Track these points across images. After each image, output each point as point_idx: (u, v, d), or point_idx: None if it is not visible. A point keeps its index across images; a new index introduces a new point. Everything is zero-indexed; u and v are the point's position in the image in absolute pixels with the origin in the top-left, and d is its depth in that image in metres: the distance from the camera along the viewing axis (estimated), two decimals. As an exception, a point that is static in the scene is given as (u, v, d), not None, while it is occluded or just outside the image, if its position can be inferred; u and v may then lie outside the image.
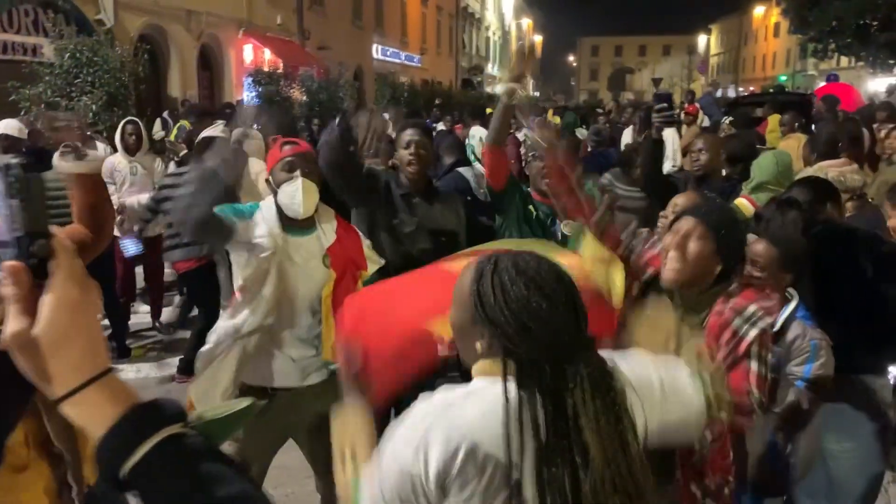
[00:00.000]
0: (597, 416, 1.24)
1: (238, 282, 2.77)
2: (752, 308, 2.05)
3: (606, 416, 1.25)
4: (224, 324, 2.79)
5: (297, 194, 2.68)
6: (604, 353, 1.38)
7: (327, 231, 2.83)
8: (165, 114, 12.16)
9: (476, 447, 1.25)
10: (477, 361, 1.36)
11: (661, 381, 1.46)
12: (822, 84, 18.97)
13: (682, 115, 11.72)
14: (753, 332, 2.02)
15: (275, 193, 2.77)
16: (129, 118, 6.25)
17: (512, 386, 1.27)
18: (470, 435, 1.25)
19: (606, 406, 1.26)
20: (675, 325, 1.89)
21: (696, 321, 2.11)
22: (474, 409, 1.29)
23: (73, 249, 0.75)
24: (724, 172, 4.86)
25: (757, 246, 2.52)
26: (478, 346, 1.34)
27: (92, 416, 0.76)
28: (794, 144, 6.48)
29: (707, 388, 1.54)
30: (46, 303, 0.73)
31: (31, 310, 0.73)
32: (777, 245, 2.51)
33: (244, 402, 0.99)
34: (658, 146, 4.49)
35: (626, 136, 9.74)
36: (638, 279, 2.35)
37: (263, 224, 2.74)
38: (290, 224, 2.75)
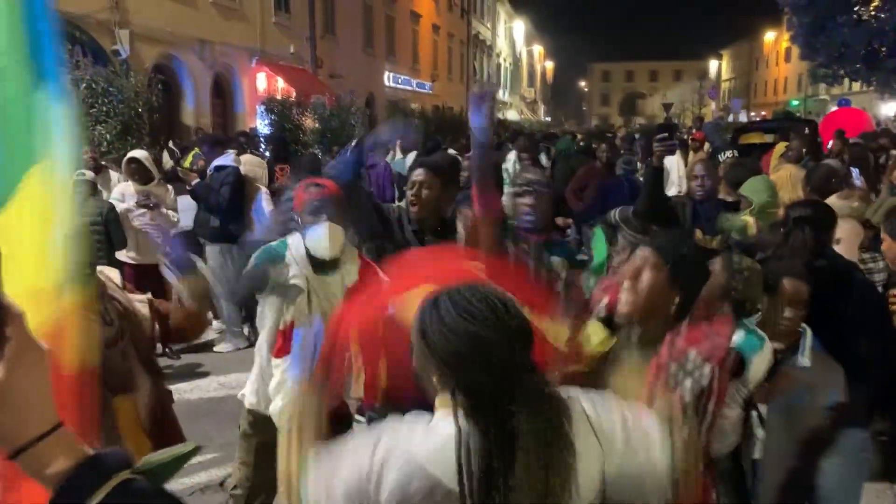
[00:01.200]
0: (529, 436, 1.28)
1: (283, 322, 2.89)
2: (691, 355, 1.91)
3: (540, 437, 1.29)
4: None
5: (324, 238, 2.83)
6: (567, 389, 1.41)
7: (351, 272, 2.96)
8: (171, 143, 12.35)
9: (432, 481, 1.29)
10: (436, 396, 1.41)
11: (627, 428, 1.45)
12: (834, 108, 19.02)
13: (690, 141, 11.79)
14: (687, 384, 1.88)
15: (302, 234, 2.91)
16: (130, 156, 6.36)
17: (461, 418, 1.31)
18: (427, 467, 1.30)
19: (542, 427, 1.29)
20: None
21: (653, 356, 1.98)
22: (431, 442, 1.33)
23: (23, 315, 0.81)
24: (720, 196, 4.94)
25: (792, 286, 2.54)
26: (434, 380, 1.39)
27: (45, 470, 0.81)
28: (784, 175, 6.53)
29: (675, 453, 1.50)
30: (1, 366, 0.79)
31: None
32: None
33: (189, 447, 1.04)
34: (659, 174, 4.53)
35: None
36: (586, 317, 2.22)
37: (295, 265, 2.89)
38: (318, 264, 2.89)
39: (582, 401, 1.43)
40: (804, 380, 2.48)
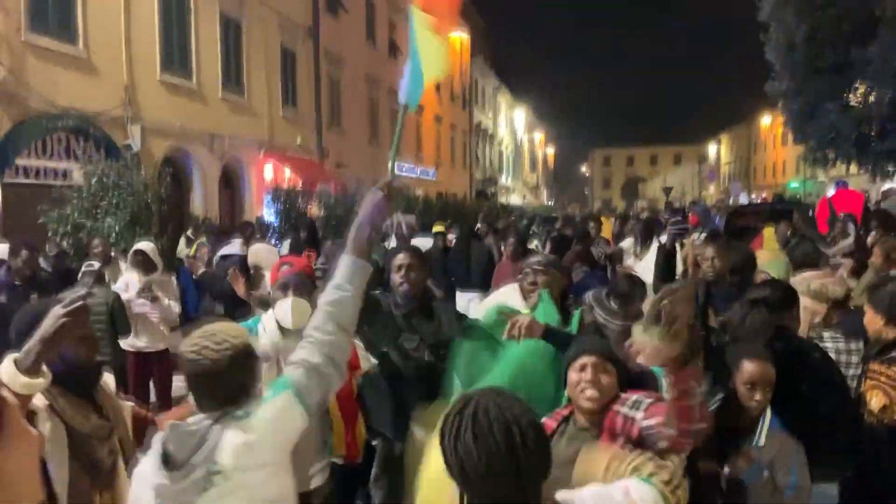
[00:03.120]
0: None
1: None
2: (634, 396, 2.31)
3: None
4: None
5: (288, 311, 3.15)
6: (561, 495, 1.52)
7: None
8: (189, 231, 12.65)
9: None
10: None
11: (621, 492, 1.60)
12: (832, 191, 19.40)
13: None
14: (639, 415, 2.23)
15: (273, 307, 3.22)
16: (136, 248, 6.59)
17: None
18: None
19: None
20: (610, 455, 1.92)
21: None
22: None
23: (15, 405, 0.95)
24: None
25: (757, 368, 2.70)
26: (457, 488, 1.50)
27: None
28: (768, 255, 6.71)
29: (659, 486, 1.65)
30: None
31: None
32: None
33: None
34: (671, 257, 4.62)
35: (626, 245, 9.99)
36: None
37: (265, 335, 3.18)
38: (288, 331, 3.18)
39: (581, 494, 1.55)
40: (761, 458, 2.57)
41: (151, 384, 6.65)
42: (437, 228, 10.80)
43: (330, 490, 3.30)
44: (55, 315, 1.85)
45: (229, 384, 1.98)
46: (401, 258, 3.62)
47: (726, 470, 2.63)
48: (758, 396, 2.64)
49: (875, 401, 2.99)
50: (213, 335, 2.02)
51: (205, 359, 1.96)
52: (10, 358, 1.76)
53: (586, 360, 2.44)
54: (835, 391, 2.93)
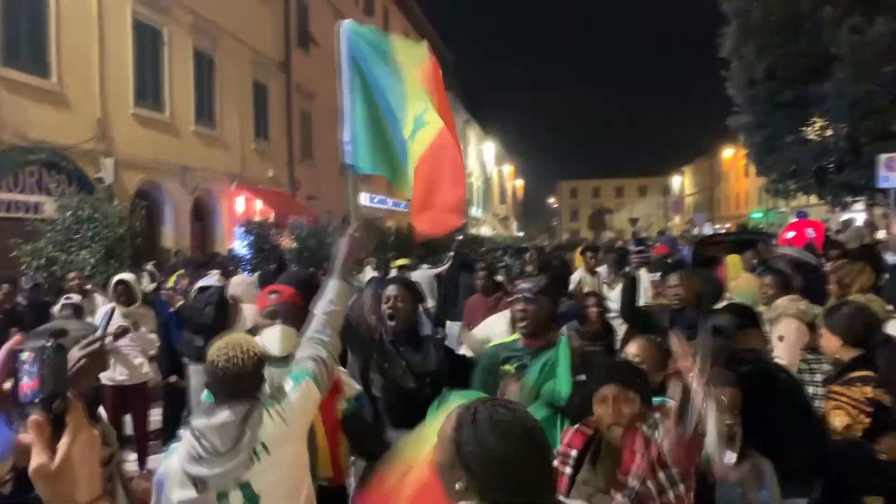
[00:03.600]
0: None
1: None
2: (655, 415, 2.42)
3: None
4: None
5: (276, 339, 3.24)
6: None
7: None
8: (151, 265, 12.55)
9: None
10: (458, 501, 1.51)
11: None
12: (794, 219, 20.03)
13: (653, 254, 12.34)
14: (657, 434, 2.37)
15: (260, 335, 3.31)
16: (118, 278, 6.61)
17: None
18: None
19: None
20: None
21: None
22: None
23: (80, 406, 1.07)
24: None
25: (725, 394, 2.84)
26: (457, 486, 1.49)
27: None
28: (742, 284, 6.96)
29: None
30: (61, 445, 1.03)
31: (50, 449, 1.03)
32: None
33: None
34: (634, 283, 5.11)
35: (602, 273, 10.21)
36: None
37: None
38: (272, 359, 3.18)
39: None
40: (734, 478, 2.73)
41: (128, 418, 6.63)
42: (400, 263, 10.37)
43: None
44: (73, 358, 1.95)
45: (253, 382, 2.49)
46: (391, 289, 3.75)
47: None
48: (729, 420, 2.79)
49: (838, 420, 3.17)
50: (239, 344, 2.49)
51: (236, 363, 2.43)
52: None
53: (607, 392, 2.45)
54: (801, 411, 3.10)
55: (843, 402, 3.18)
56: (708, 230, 37.22)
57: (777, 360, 4.66)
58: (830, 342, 3.45)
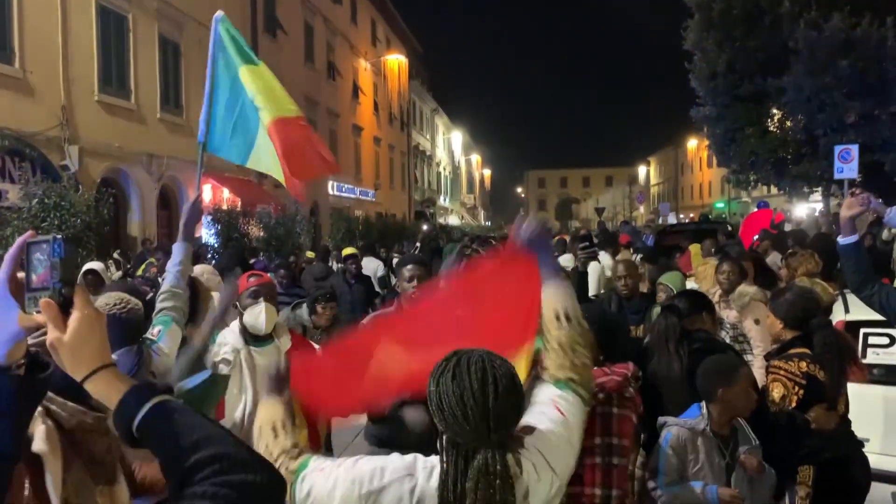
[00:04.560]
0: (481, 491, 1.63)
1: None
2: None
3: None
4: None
5: (261, 316, 3.43)
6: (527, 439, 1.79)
7: (284, 342, 3.56)
8: (117, 253, 12.51)
9: None
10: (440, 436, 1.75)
11: (558, 424, 1.86)
12: (755, 209, 20.65)
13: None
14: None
15: (241, 315, 3.47)
16: (87, 268, 6.66)
17: (445, 464, 1.69)
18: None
19: (486, 498, 1.64)
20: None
21: None
22: (431, 481, 1.70)
23: (85, 289, 1.26)
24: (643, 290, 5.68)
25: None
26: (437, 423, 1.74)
27: (106, 391, 1.22)
28: (710, 270, 7.27)
29: (573, 386, 1.94)
30: (71, 321, 1.21)
31: (62, 326, 1.21)
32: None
33: (207, 374, 1.43)
34: (584, 277, 5.31)
35: (564, 261, 10.47)
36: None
37: (227, 344, 3.44)
38: (253, 338, 3.47)
39: (536, 450, 1.79)
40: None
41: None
42: (348, 251, 9.93)
43: None
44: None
45: (141, 328, 2.85)
46: (411, 269, 3.93)
47: None
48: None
49: (776, 392, 3.44)
50: (129, 298, 2.82)
51: (133, 312, 2.77)
52: None
53: None
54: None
55: (781, 375, 3.45)
56: (672, 220, 37.93)
57: (753, 341, 5.05)
58: (774, 324, 3.73)
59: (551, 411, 1.88)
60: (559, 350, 1.98)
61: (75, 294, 1.23)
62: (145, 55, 16.65)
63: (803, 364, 3.42)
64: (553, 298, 2.08)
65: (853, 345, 4.38)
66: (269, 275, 4.07)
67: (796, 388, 3.38)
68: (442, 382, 1.70)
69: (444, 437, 1.71)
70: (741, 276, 5.85)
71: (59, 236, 1.23)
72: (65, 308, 1.22)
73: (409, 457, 1.77)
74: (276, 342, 3.51)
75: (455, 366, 1.71)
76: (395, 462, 1.74)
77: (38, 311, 1.20)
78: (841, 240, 3.44)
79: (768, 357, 3.78)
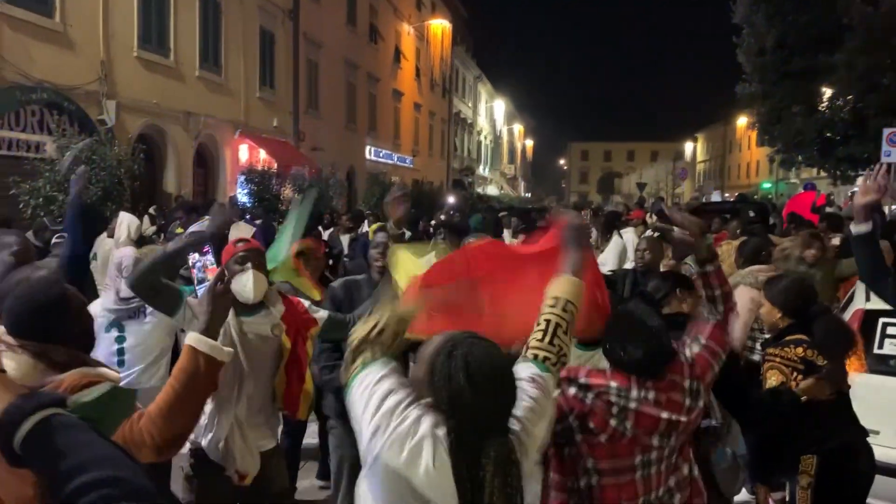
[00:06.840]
0: (493, 492, 1.65)
1: None
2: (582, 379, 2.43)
3: (501, 492, 1.66)
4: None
5: (249, 283, 3.19)
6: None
7: (278, 309, 3.33)
8: (153, 209, 12.69)
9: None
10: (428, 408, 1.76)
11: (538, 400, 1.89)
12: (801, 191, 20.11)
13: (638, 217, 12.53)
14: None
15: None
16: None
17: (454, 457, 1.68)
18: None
19: (502, 484, 1.66)
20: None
21: None
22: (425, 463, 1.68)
23: None
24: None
25: None
26: (427, 399, 1.75)
27: None
28: (726, 249, 7.08)
29: (548, 365, 2.00)
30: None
31: None
32: None
33: (108, 386, 1.29)
34: None
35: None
36: None
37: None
38: (242, 307, 3.21)
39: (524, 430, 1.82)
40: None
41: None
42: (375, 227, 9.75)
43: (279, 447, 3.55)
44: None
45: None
46: (380, 237, 3.90)
47: None
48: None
49: (773, 379, 3.33)
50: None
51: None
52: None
53: None
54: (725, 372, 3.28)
55: (777, 362, 3.33)
56: (716, 198, 37.21)
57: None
58: (770, 312, 3.62)
59: (531, 388, 1.92)
60: (544, 327, 2.07)
61: None
62: (186, 12, 16.70)
63: (800, 350, 3.30)
64: (561, 286, 2.18)
65: (854, 333, 4.21)
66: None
67: (795, 374, 3.27)
68: (447, 376, 1.72)
69: (451, 435, 1.70)
70: (755, 257, 5.67)
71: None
72: None
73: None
74: (266, 309, 3.30)
75: (462, 359, 1.72)
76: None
77: None
78: (854, 228, 3.26)
79: (765, 345, 3.66)
